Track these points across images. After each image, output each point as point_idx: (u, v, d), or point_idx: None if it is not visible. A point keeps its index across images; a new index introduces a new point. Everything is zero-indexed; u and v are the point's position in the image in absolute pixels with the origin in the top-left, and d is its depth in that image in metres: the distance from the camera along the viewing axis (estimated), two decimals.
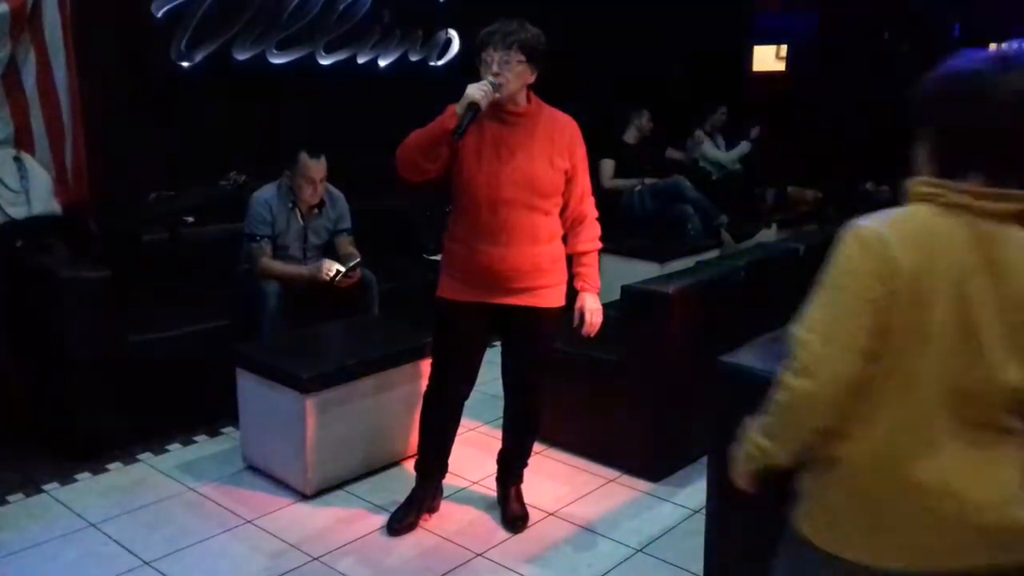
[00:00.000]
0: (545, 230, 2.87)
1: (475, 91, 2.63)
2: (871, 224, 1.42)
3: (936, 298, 1.38)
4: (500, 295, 2.87)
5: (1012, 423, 1.45)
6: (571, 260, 2.99)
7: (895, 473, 1.45)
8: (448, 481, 3.44)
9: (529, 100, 2.83)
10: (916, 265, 1.37)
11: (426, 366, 3.21)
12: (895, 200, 1.46)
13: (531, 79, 2.78)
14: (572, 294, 3.02)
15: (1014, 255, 1.38)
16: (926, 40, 7.30)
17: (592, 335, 3.02)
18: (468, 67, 2.80)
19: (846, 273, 1.42)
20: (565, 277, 2.97)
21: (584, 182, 2.95)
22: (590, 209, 3.00)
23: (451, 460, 3.53)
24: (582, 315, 2.99)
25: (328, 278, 3.94)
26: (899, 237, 1.39)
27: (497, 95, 2.68)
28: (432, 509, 3.22)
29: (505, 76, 2.69)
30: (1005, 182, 1.38)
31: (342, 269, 3.97)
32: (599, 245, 3.03)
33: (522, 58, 2.71)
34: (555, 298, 2.94)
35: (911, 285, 1.37)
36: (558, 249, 2.93)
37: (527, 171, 2.78)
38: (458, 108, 2.64)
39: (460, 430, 3.63)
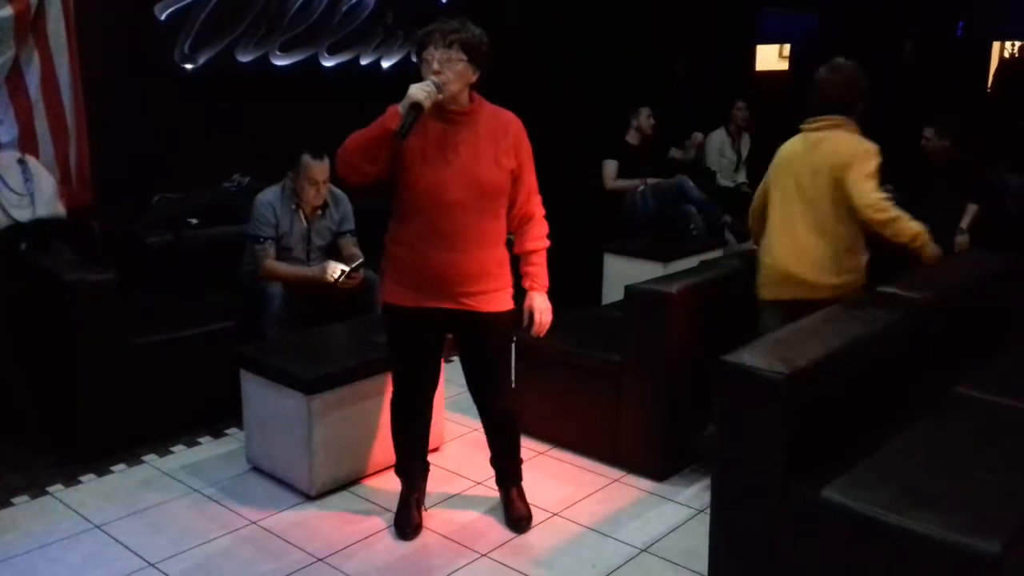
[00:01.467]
0: (493, 234, 2.84)
1: (417, 91, 2.60)
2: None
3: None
4: (448, 300, 2.84)
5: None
6: (518, 260, 2.96)
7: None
8: (452, 482, 3.44)
9: (472, 99, 2.81)
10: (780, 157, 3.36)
11: None
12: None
13: (473, 79, 2.75)
14: (520, 294, 3.00)
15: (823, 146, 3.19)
16: (930, 39, 7.30)
17: (541, 335, 3.01)
18: None
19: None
20: (511, 281, 2.94)
21: (530, 181, 2.92)
22: (537, 208, 2.96)
23: (455, 461, 3.53)
24: (531, 315, 2.97)
25: (332, 279, 3.94)
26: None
27: (440, 95, 2.66)
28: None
29: (446, 75, 2.66)
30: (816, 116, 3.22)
31: (345, 270, 3.98)
32: (547, 243, 3.00)
33: (463, 57, 2.68)
34: (503, 302, 2.91)
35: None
36: (503, 254, 2.91)
37: (473, 172, 2.75)
38: (400, 108, 2.62)
39: (462, 431, 3.63)
